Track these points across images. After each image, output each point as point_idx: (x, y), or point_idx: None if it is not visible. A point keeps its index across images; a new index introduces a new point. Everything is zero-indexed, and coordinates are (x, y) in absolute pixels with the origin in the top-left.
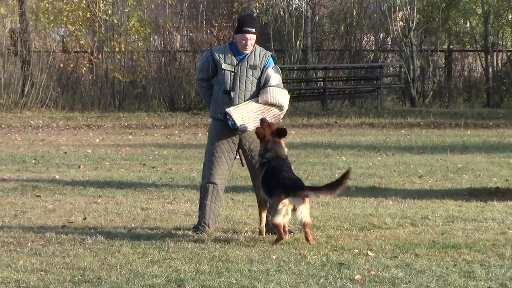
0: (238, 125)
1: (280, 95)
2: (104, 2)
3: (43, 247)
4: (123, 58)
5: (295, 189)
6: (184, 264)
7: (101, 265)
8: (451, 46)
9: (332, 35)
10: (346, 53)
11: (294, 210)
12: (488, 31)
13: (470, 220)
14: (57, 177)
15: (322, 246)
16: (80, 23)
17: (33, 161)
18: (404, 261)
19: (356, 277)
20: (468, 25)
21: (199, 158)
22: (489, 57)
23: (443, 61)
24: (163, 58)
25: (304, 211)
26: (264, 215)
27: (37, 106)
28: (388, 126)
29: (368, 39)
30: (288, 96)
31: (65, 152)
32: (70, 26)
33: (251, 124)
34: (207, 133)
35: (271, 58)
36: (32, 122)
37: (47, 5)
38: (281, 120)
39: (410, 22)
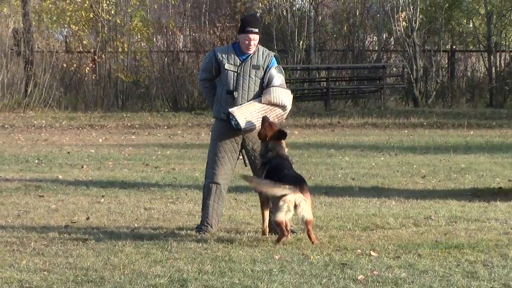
0: (241, 125)
1: (283, 95)
2: (107, 2)
3: (46, 247)
4: (126, 58)
5: (296, 185)
6: (187, 264)
7: (104, 265)
8: (454, 46)
9: (335, 35)
10: (349, 53)
11: (295, 207)
12: (491, 31)
13: (473, 220)
14: (60, 177)
15: (325, 246)
16: (83, 23)
17: (36, 161)
18: (407, 261)
19: (359, 277)
20: (471, 25)
21: (202, 158)
22: (492, 57)
23: (446, 61)
24: (166, 58)
25: (306, 208)
26: (267, 215)
27: (40, 106)
28: (391, 126)
29: (371, 39)
30: (291, 96)
31: (68, 152)
32: (73, 26)
33: (254, 124)
34: (210, 133)
35: (274, 58)
36: (35, 122)
37: (50, 5)
38: (284, 120)
39: (413, 22)
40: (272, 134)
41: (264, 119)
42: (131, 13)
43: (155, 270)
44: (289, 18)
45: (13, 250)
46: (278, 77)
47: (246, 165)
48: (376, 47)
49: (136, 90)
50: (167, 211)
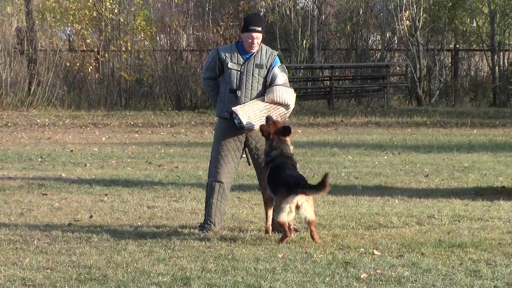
0: (244, 124)
1: (286, 94)
2: (111, 1)
3: (49, 245)
4: (130, 57)
5: (298, 186)
6: (190, 263)
7: (107, 263)
8: (457, 45)
9: (338, 34)
10: (352, 52)
11: (298, 208)
12: (494, 31)
13: (476, 219)
14: (63, 175)
15: (328, 245)
16: (87, 22)
17: (39, 159)
18: (410, 260)
19: (362, 276)
20: (474, 24)
21: (205, 157)
22: (495, 56)
23: (450, 60)
24: (170, 57)
25: (308, 209)
26: (270, 213)
27: (44, 105)
28: (395, 125)
29: (374, 38)
30: (294, 95)
31: (71, 151)
32: (77, 25)
33: (257, 123)
34: (213, 132)
35: (277, 57)
36: (38, 120)
37: (53, 3)
38: (287, 119)
39: (417, 21)
40: (276, 130)
41: (268, 119)
42: (135, 12)
43: (158, 268)
44: (292, 17)
45: (16, 248)
46: (281, 76)
47: (249, 164)
48: (380, 46)
49: (140, 88)
50: (170, 210)
